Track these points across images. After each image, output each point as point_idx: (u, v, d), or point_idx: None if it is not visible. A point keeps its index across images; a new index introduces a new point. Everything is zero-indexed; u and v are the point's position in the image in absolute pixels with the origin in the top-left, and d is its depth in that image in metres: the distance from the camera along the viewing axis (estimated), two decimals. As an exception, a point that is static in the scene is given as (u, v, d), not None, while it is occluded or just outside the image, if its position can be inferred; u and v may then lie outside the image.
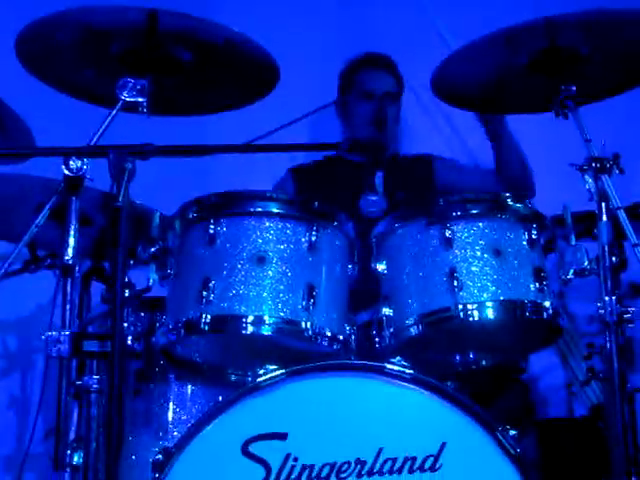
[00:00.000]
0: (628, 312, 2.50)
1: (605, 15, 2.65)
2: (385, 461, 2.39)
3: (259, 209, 2.60)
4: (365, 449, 2.39)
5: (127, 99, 2.64)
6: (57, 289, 2.43)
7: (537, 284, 2.60)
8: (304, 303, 2.54)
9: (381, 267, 2.70)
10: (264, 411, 2.43)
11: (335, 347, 2.59)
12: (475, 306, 2.56)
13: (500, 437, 2.39)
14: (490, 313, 2.57)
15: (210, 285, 2.53)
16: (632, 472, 2.43)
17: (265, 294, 2.53)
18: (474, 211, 2.65)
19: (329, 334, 2.57)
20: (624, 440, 2.44)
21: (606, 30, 2.69)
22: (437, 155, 3.84)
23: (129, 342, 2.39)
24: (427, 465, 2.39)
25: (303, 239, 2.59)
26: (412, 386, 2.44)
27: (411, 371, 2.44)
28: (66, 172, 2.38)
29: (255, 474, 2.39)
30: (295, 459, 2.39)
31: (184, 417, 2.93)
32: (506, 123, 3.59)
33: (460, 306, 2.55)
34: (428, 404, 2.43)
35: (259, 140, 3.31)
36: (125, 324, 2.35)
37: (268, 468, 2.39)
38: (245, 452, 2.39)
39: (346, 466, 2.38)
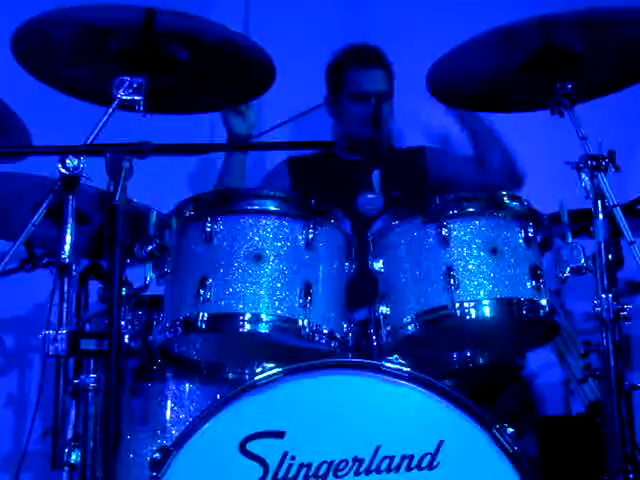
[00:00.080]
0: (624, 309, 2.51)
1: (600, 13, 2.65)
2: (382, 459, 2.38)
3: (256, 207, 2.60)
4: (362, 447, 2.39)
5: (124, 97, 2.64)
6: (54, 288, 2.43)
7: (534, 282, 2.60)
8: (301, 301, 2.54)
9: (378, 265, 2.71)
10: (261, 409, 2.43)
11: (332, 345, 2.58)
12: (472, 304, 2.56)
13: (498, 435, 2.39)
14: (487, 311, 2.57)
15: (207, 283, 2.53)
16: (629, 469, 2.43)
17: (262, 292, 2.53)
18: (470, 209, 2.66)
19: (326, 332, 2.57)
20: (621, 438, 2.44)
21: (601, 28, 2.69)
22: (428, 146, 3.83)
23: (126, 340, 2.39)
24: (424, 463, 2.39)
25: (300, 237, 2.59)
26: (409, 384, 2.44)
27: (408, 369, 2.44)
28: (63, 171, 2.38)
29: (253, 472, 2.39)
30: (292, 457, 2.39)
31: (182, 415, 2.93)
32: (481, 119, 3.59)
33: (457, 304, 2.56)
34: (425, 402, 2.43)
35: (255, 138, 3.32)
36: (122, 322, 2.36)
37: (265, 466, 2.38)
38: (243, 450, 2.39)
39: (343, 464, 2.38)
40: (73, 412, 2.68)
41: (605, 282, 2.53)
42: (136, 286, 2.63)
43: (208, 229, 2.57)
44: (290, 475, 2.38)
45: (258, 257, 2.55)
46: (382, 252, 2.72)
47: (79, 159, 2.38)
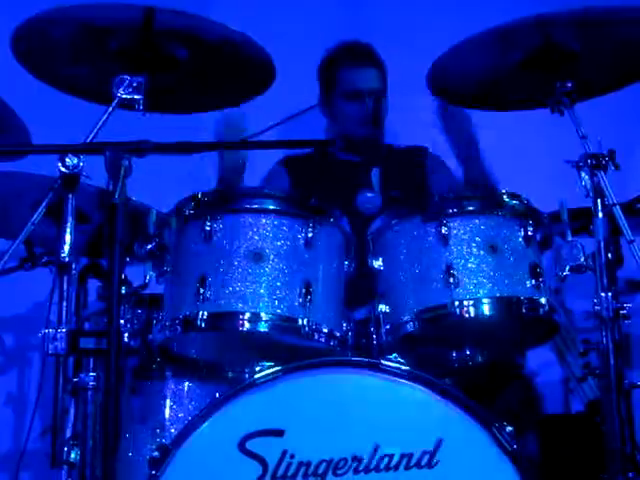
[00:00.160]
0: (624, 308, 2.51)
1: (597, 12, 2.65)
2: (381, 458, 2.39)
3: (255, 206, 2.60)
4: (361, 446, 2.39)
5: (123, 96, 2.64)
6: (54, 286, 2.43)
7: (533, 280, 2.60)
8: (301, 300, 2.54)
9: (377, 264, 2.71)
10: (261, 408, 2.43)
11: (332, 344, 2.58)
12: (471, 302, 2.56)
13: (497, 433, 2.39)
14: (486, 310, 2.57)
15: (207, 282, 2.53)
16: (628, 468, 2.43)
17: (262, 291, 2.53)
18: (470, 208, 2.66)
19: (326, 331, 2.57)
20: (621, 436, 2.44)
21: (598, 27, 2.69)
22: (430, 150, 3.82)
23: (126, 339, 2.39)
24: (423, 462, 2.39)
25: (299, 236, 2.59)
26: (408, 382, 2.44)
27: (407, 367, 2.44)
28: (62, 169, 2.38)
29: (252, 471, 2.39)
30: (292, 456, 2.39)
31: (181, 414, 2.93)
32: (470, 118, 3.58)
33: (456, 303, 2.56)
34: (424, 400, 2.43)
35: (254, 137, 3.31)
36: (122, 321, 2.36)
37: (265, 465, 2.38)
38: (242, 449, 2.39)
39: (342, 463, 2.38)
40: (72, 411, 2.69)
41: (605, 281, 2.53)
42: (136, 285, 2.63)
43: (208, 228, 2.56)
44: (289, 474, 2.38)
45: (258, 256, 2.55)
46: (381, 251, 2.72)
47: (79, 158, 2.38)
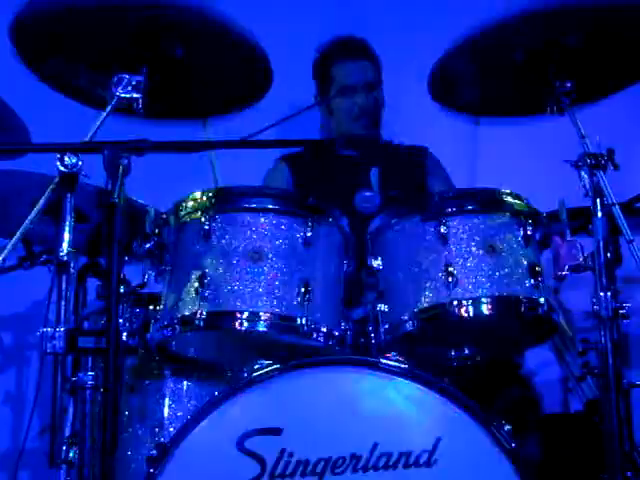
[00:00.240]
0: (623, 308, 2.51)
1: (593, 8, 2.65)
2: (380, 456, 2.38)
3: (254, 205, 2.60)
4: (360, 444, 2.39)
5: (122, 95, 2.64)
6: (52, 285, 2.43)
7: (532, 280, 2.60)
8: (299, 299, 2.53)
9: (376, 263, 2.71)
10: (259, 406, 2.43)
11: (330, 343, 2.58)
12: (470, 302, 2.56)
13: (495, 432, 2.39)
14: (485, 309, 2.57)
15: (205, 281, 2.52)
16: (627, 467, 2.43)
17: (260, 290, 2.53)
18: (469, 207, 2.66)
19: (324, 330, 2.56)
20: (619, 435, 2.44)
21: (600, 24, 2.69)
22: (431, 152, 3.82)
23: (124, 338, 2.39)
24: (422, 460, 2.39)
25: (298, 235, 2.59)
26: (407, 381, 2.43)
27: (406, 366, 2.44)
28: (61, 168, 2.39)
29: (250, 469, 2.38)
30: (290, 454, 2.38)
31: (179, 413, 2.93)
32: None
33: (455, 302, 2.55)
34: (423, 399, 2.42)
35: (253, 137, 3.31)
36: (120, 320, 2.36)
37: (263, 463, 2.38)
38: (240, 447, 2.39)
39: (341, 461, 2.38)
40: (71, 410, 2.69)
41: (604, 280, 2.53)
42: (134, 284, 2.63)
43: (206, 227, 2.56)
44: (287, 472, 2.38)
45: (256, 255, 2.55)
46: (380, 250, 2.72)
47: (77, 157, 2.38)
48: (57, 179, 2.43)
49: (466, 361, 2.85)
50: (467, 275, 2.58)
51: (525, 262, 2.62)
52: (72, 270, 2.43)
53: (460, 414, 2.40)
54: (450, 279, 2.56)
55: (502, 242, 2.63)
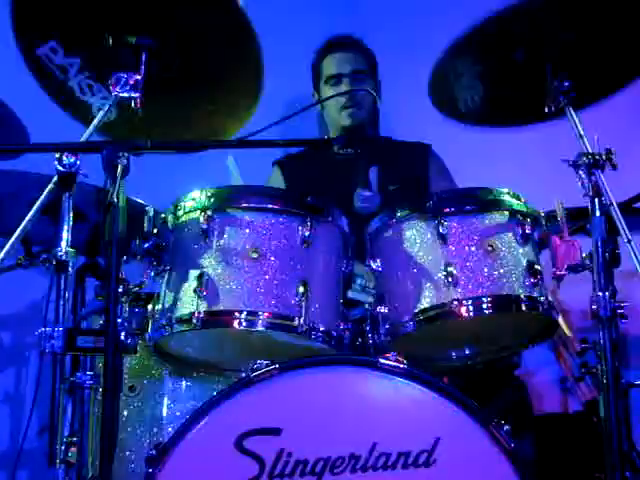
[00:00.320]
0: (621, 307, 2.51)
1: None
2: (379, 456, 2.38)
3: (252, 204, 2.60)
4: (359, 444, 2.39)
5: (120, 94, 2.64)
6: (51, 285, 2.43)
7: (531, 279, 2.60)
8: (298, 298, 2.53)
9: (375, 264, 2.71)
10: (258, 406, 2.43)
11: (329, 343, 2.58)
12: (470, 302, 2.56)
13: (494, 432, 2.39)
14: (485, 308, 2.57)
15: (204, 280, 2.52)
16: (626, 467, 2.43)
17: (259, 289, 2.52)
18: (468, 207, 2.66)
19: (323, 329, 2.56)
20: (618, 435, 2.44)
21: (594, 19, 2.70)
22: (434, 150, 3.82)
23: (123, 338, 2.39)
24: (421, 460, 2.39)
25: (297, 234, 2.58)
26: (406, 381, 2.43)
27: (405, 365, 2.44)
28: (59, 168, 2.39)
29: (249, 469, 2.38)
30: (289, 454, 2.38)
31: (178, 413, 2.93)
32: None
33: (455, 302, 2.55)
34: (422, 399, 2.42)
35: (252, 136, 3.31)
36: (119, 320, 2.36)
37: (262, 463, 2.38)
38: (239, 447, 2.39)
39: (340, 461, 2.38)
40: (70, 409, 2.69)
41: (602, 280, 2.53)
42: (133, 283, 2.63)
43: (205, 226, 2.56)
44: (286, 472, 2.38)
45: (255, 254, 2.55)
46: (379, 250, 2.72)
47: (76, 156, 2.38)
48: (55, 179, 2.43)
49: (466, 361, 2.85)
50: (466, 275, 2.58)
51: (524, 261, 2.62)
52: (71, 270, 2.43)
53: (459, 414, 2.40)
54: (450, 279, 2.56)
55: (501, 241, 2.63)
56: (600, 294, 2.52)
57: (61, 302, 2.41)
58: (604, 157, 2.57)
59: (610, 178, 2.58)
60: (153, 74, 2.71)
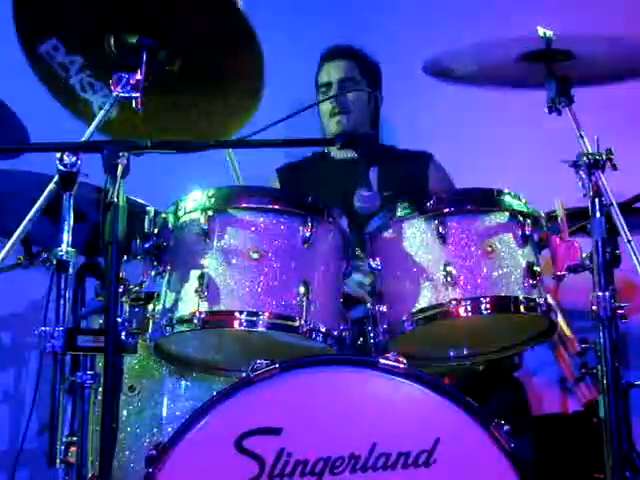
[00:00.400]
0: (621, 308, 2.51)
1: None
2: (379, 456, 2.38)
3: (253, 204, 2.60)
4: (359, 444, 2.38)
5: (121, 94, 2.64)
6: (51, 284, 2.43)
7: (531, 280, 2.60)
8: (299, 299, 2.53)
9: (375, 263, 2.71)
10: (258, 406, 2.43)
11: (329, 343, 2.58)
12: (468, 302, 2.56)
13: (494, 432, 2.39)
14: (484, 309, 2.57)
15: (204, 281, 2.52)
16: (626, 468, 2.44)
17: (259, 290, 2.52)
18: (468, 207, 2.66)
19: (323, 330, 2.56)
20: (618, 436, 2.44)
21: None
22: (435, 159, 3.82)
23: (123, 338, 2.39)
24: (421, 460, 2.38)
25: (298, 235, 2.58)
26: (406, 381, 2.43)
27: (405, 365, 2.44)
28: (60, 168, 2.39)
29: (249, 469, 2.38)
30: (289, 454, 2.38)
31: (178, 413, 2.93)
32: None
33: (454, 302, 2.55)
34: (422, 399, 2.42)
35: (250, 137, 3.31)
36: (119, 320, 2.36)
37: (262, 463, 2.38)
38: (239, 447, 2.39)
39: (340, 461, 2.38)
40: (70, 409, 2.69)
41: (602, 280, 2.53)
42: (133, 283, 2.63)
43: (205, 226, 2.56)
44: (286, 472, 2.38)
45: (255, 255, 2.55)
46: (379, 250, 2.72)
47: (77, 156, 2.38)
48: (56, 178, 2.43)
49: (465, 361, 2.85)
50: (466, 275, 2.58)
51: (523, 262, 2.62)
52: (71, 270, 2.43)
53: (459, 414, 2.40)
54: (449, 279, 2.56)
55: (501, 242, 2.63)
56: (600, 294, 2.52)
57: (61, 302, 2.41)
58: (604, 157, 2.58)
59: (611, 178, 2.59)
60: (154, 74, 2.72)
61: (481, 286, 2.58)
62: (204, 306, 2.52)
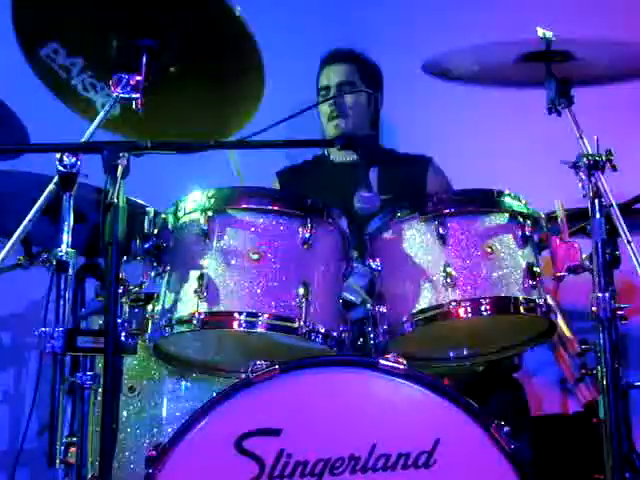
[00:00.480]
0: (621, 309, 2.51)
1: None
2: (379, 457, 2.38)
3: (253, 205, 2.60)
4: (359, 445, 2.38)
5: (121, 95, 2.64)
6: (51, 285, 2.43)
7: (530, 281, 2.60)
8: (298, 300, 2.53)
9: (375, 264, 2.70)
10: (258, 407, 2.43)
11: (329, 344, 2.58)
12: (468, 303, 2.56)
13: (495, 433, 2.39)
14: (484, 310, 2.57)
15: (204, 281, 2.52)
16: (626, 468, 2.43)
17: (259, 290, 2.52)
18: (468, 208, 2.66)
19: (323, 331, 2.56)
20: (618, 436, 2.44)
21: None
22: (435, 163, 3.83)
23: (123, 338, 2.39)
24: (421, 461, 2.38)
25: (297, 236, 2.58)
26: (406, 382, 2.43)
27: (405, 366, 2.44)
28: (60, 168, 2.39)
29: (249, 470, 2.38)
30: (289, 455, 2.38)
31: (178, 413, 2.93)
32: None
33: (454, 303, 2.55)
34: (422, 400, 2.42)
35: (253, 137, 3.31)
36: (119, 320, 2.36)
37: (262, 464, 2.38)
38: (239, 448, 2.39)
39: (340, 462, 2.38)
40: (69, 409, 2.69)
41: (602, 281, 2.53)
42: (133, 284, 2.63)
43: (205, 227, 2.56)
44: (286, 473, 2.38)
45: (255, 255, 2.55)
46: (379, 251, 2.71)
47: (77, 157, 2.38)
48: (56, 179, 2.43)
49: (465, 362, 2.85)
50: (466, 276, 2.58)
51: (523, 263, 2.62)
52: (71, 270, 2.43)
53: (459, 415, 2.40)
54: (448, 280, 2.56)
55: (501, 243, 2.63)
56: (600, 295, 2.52)
57: (61, 302, 2.41)
58: (604, 158, 2.58)
59: (611, 179, 2.59)
60: (154, 75, 2.72)
61: (481, 287, 2.58)
62: (203, 307, 2.52)
